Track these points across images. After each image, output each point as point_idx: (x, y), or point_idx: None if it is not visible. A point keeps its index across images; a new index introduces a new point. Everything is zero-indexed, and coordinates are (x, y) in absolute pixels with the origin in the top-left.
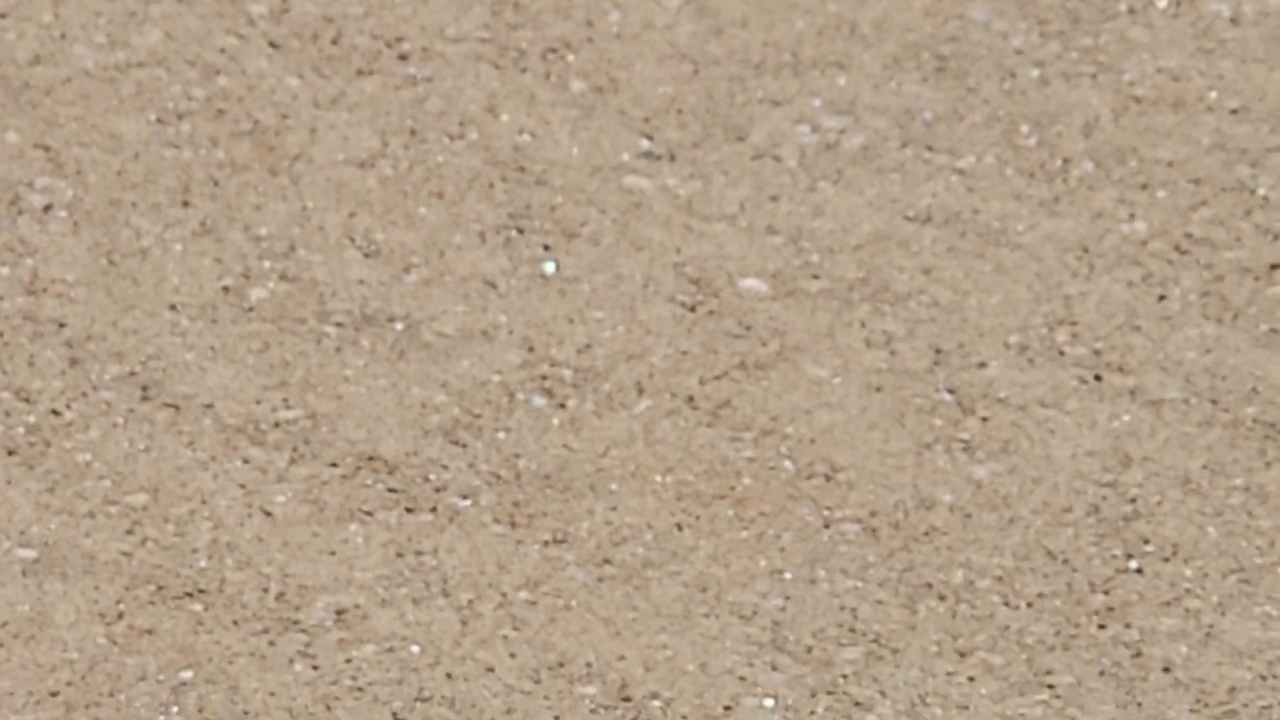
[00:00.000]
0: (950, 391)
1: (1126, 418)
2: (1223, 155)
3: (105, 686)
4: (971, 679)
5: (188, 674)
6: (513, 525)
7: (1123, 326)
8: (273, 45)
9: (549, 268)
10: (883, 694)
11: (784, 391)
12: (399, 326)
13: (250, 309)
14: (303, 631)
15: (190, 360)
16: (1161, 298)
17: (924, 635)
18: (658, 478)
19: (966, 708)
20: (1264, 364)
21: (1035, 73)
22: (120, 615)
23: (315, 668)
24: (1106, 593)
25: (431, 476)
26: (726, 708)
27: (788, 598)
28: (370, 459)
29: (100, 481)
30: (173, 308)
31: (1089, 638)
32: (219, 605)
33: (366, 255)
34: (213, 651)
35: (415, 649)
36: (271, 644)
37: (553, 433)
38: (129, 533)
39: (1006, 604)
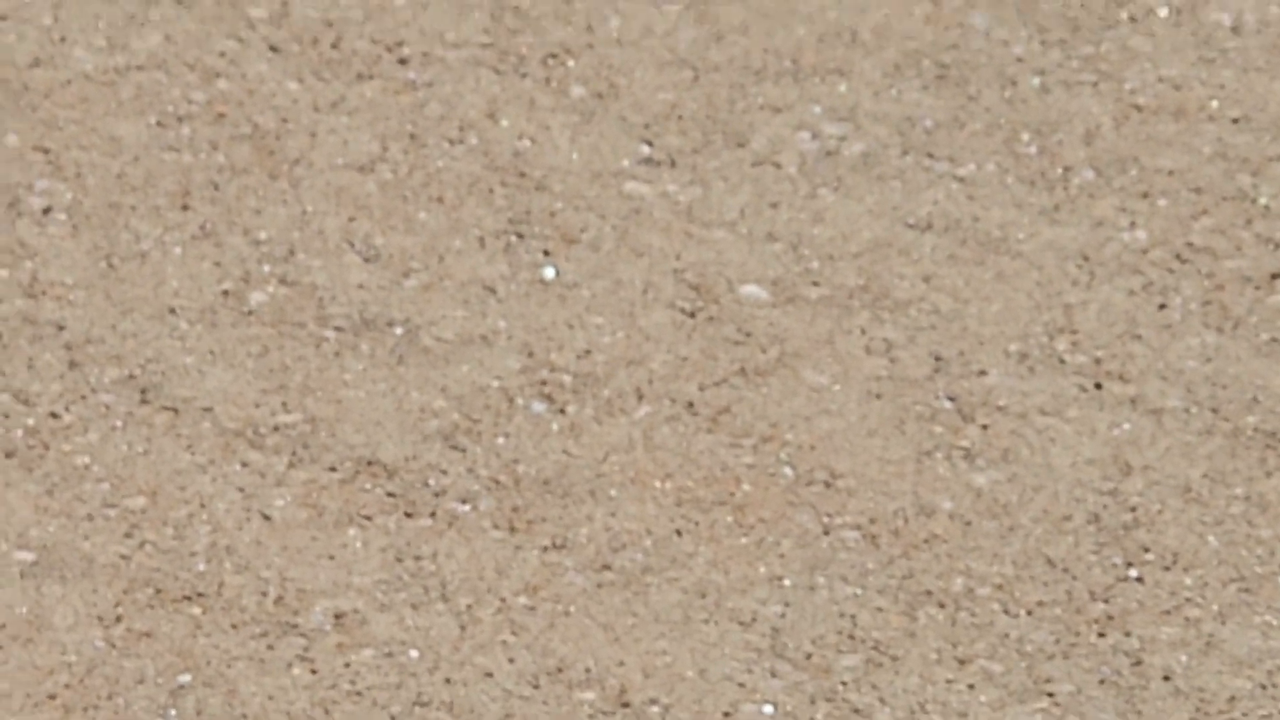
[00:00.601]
0: (950, 399)
1: (1127, 426)
2: (1224, 164)
3: (103, 689)
4: (971, 687)
5: (186, 677)
6: (512, 530)
7: (1123, 335)
8: (273, 49)
9: (548, 273)
10: (882, 701)
11: (784, 398)
12: (398, 331)
13: (249, 313)
14: (301, 635)
15: (189, 364)
16: (1162, 306)
17: (923, 643)
18: (657, 484)
19: (966, 715)
20: (1265, 373)
21: (1036, 81)
22: (118, 618)
23: (314, 672)
24: (1106, 601)
25: (430, 481)
26: (725, 714)
27: (787, 604)
28: (369, 463)
29: (99, 484)
30: (172, 311)
31: (1089, 646)
32: (217, 609)
33: (366, 260)
34: (211, 655)
35: (414, 654)
36: (270, 648)
37: (552, 438)
38: (127, 536)
39: (1006, 612)
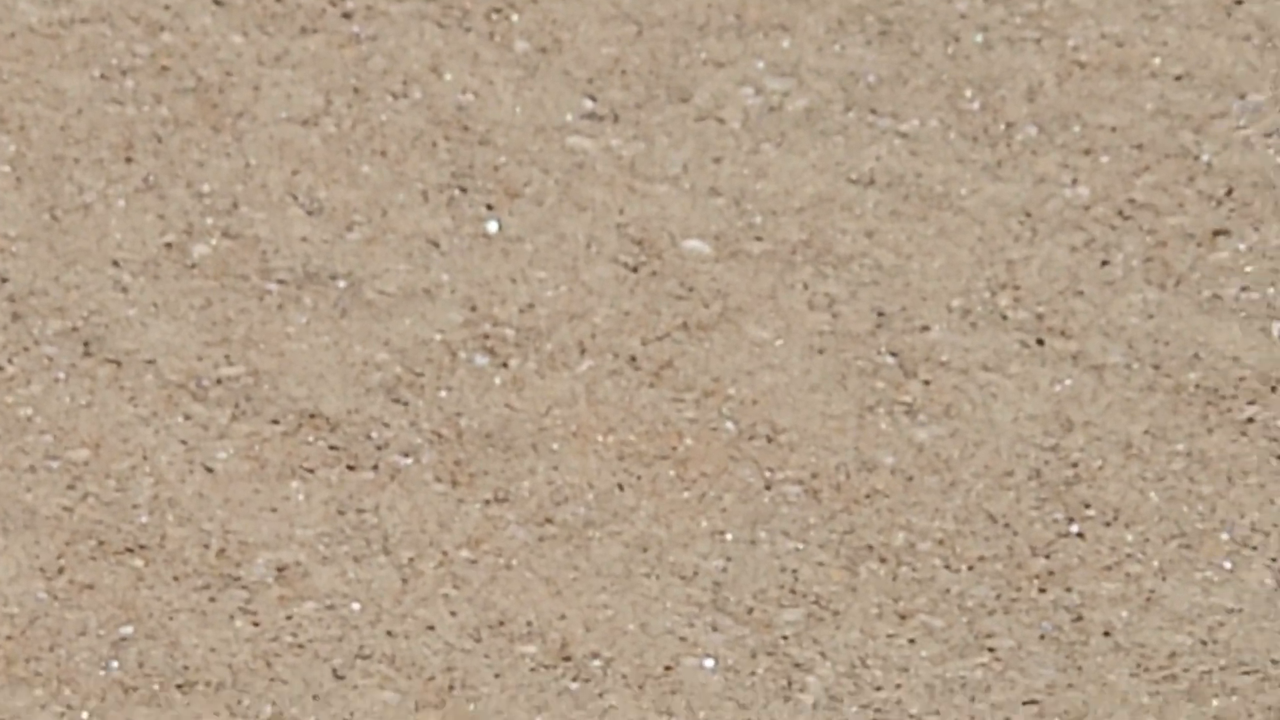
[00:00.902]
0: (892, 354)
1: (1068, 382)
2: (1166, 121)
3: (45, 641)
4: (912, 641)
5: (128, 629)
6: (454, 484)
7: (1065, 291)
8: (216, 2)
9: (491, 227)
10: (823, 655)
11: (726, 353)
12: (341, 284)
13: (193, 265)
14: (243, 588)
15: (132, 316)
16: (1104, 263)
17: (864, 597)
18: (599, 438)
19: (906, 670)
20: (1206, 330)
21: (979, 37)
22: (61, 570)
23: (256, 624)
24: (1047, 557)
25: (373, 434)
26: (667, 667)
27: (729, 559)
28: (312, 416)
29: (41, 436)
30: (115, 264)
31: (1029, 601)
32: (159, 561)
33: (309, 213)
34: (153, 607)
35: (356, 606)
36: (212, 600)
37: (494, 392)
38: (70, 488)
39: (947, 567)
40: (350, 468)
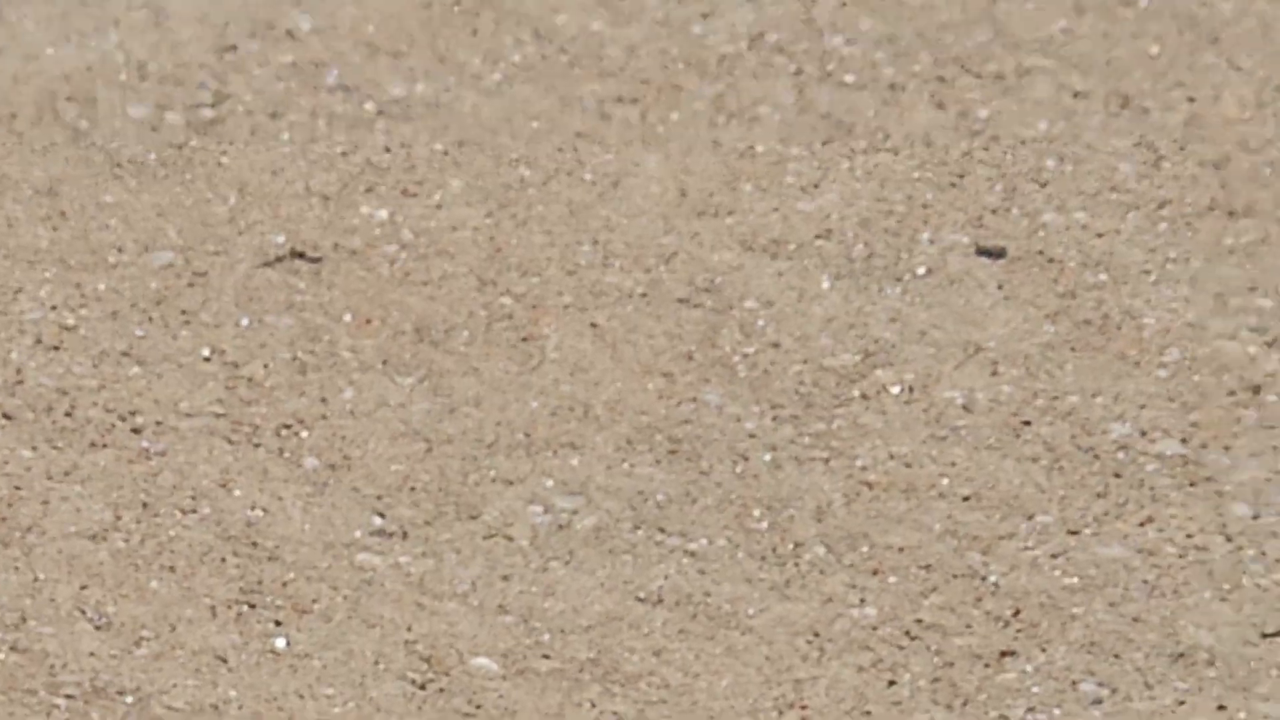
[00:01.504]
0: None
1: None
2: (954, 542)
3: None
4: None
5: None
6: None
7: (852, 711)
8: (6, 416)
9: (280, 643)
10: None
11: None
12: (129, 700)
13: None
14: None
15: None
16: (891, 683)
17: None
18: None
19: None
20: None
21: (768, 457)
22: None
23: None
24: None
25: None
26: None
27: None
28: None
29: None
30: None
31: None
32: None
33: (98, 628)
34: None
35: None
36: None
37: None
38: None
39: None
40: None
